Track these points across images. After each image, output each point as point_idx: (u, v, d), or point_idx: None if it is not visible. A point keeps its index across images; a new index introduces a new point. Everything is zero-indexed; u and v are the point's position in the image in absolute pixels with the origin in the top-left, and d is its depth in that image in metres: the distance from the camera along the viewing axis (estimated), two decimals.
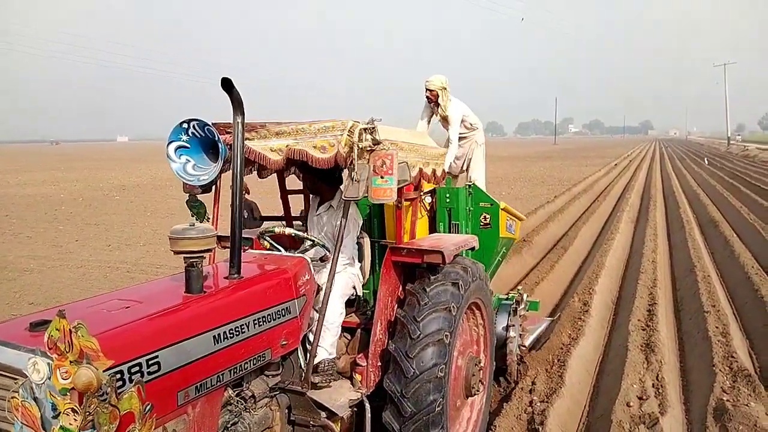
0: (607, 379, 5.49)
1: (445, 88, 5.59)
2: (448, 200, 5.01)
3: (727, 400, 4.63)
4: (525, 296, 5.87)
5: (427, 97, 5.67)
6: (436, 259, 3.65)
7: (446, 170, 4.98)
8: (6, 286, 9.31)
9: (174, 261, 10.39)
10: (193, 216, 3.44)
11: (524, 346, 5.66)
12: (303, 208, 4.58)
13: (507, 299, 5.65)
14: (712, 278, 8.59)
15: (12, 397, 1.84)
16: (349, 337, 3.87)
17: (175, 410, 2.46)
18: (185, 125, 3.23)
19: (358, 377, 3.58)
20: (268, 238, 3.80)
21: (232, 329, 2.74)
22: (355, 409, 3.48)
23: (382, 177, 3.08)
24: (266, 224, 4.18)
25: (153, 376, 2.28)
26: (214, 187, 3.43)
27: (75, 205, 19.66)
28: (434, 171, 4.01)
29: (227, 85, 2.97)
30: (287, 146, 3.29)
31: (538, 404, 4.73)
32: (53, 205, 19.85)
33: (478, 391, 4.14)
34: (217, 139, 3.18)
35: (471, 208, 5.26)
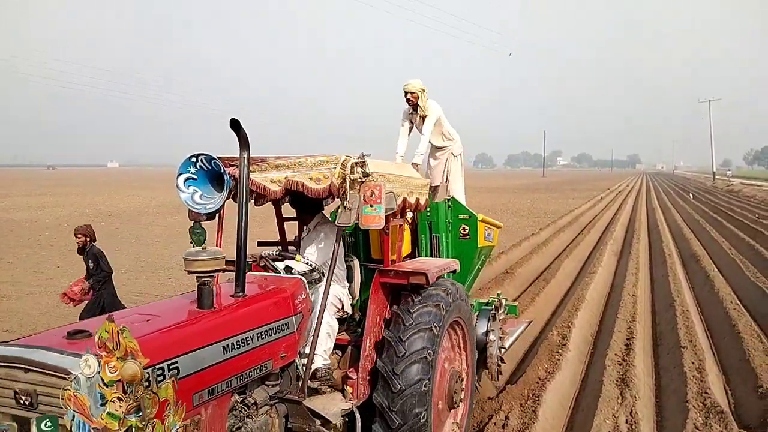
0: (581, 414, 5.48)
1: (424, 90, 5.84)
2: (428, 214, 5.37)
3: None
4: (504, 301, 6.15)
5: (408, 100, 5.88)
6: (421, 280, 4.00)
7: (418, 163, 5.73)
8: None
9: (154, 290, 10.32)
10: (192, 242, 3.57)
11: (504, 348, 5.87)
12: (297, 233, 4.86)
13: (487, 304, 5.88)
14: (691, 313, 8.63)
15: (65, 389, 2.13)
16: (340, 353, 4.15)
17: (191, 410, 2.70)
18: (193, 159, 3.52)
19: (349, 389, 3.83)
20: (267, 262, 4.11)
21: (239, 341, 3.05)
22: (347, 419, 3.73)
23: (371, 206, 3.48)
24: (262, 249, 4.44)
25: (174, 379, 2.54)
26: (218, 215, 3.74)
27: (59, 231, 19.51)
28: (417, 200, 4.43)
29: (235, 125, 3.28)
30: (286, 178, 3.65)
31: None
32: (38, 230, 19.72)
33: (459, 403, 4.45)
34: (223, 171, 3.48)
35: (450, 221, 5.61)
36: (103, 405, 2.10)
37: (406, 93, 5.84)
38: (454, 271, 4.73)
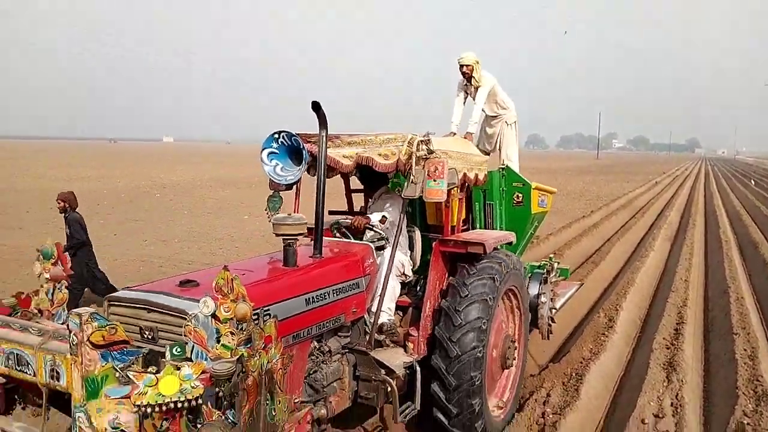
0: (625, 395, 5.39)
1: (478, 62, 5.92)
2: None
3: (748, 424, 4.51)
4: (555, 265, 6.41)
5: (463, 73, 5.97)
6: (478, 250, 4.32)
7: (472, 132, 5.90)
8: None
9: (204, 258, 10.63)
10: (266, 210, 4.27)
11: (555, 309, 6.16)
12: (363, 204, 5.19)
13: (539, 268, 6.12)
14: (746, 300, 8.33)
15: (186, 326, 2.52)
16: (401, 314, 4.51)
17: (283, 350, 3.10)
18: (276, 135, 3.99)
19: (410, 345, 4.21)
20: (338, 228, 4.56)
21: (318, 295, 3.47)
22: (408, 371, 4.03)
23: (435, 180, 3.80)
24: (333, 217, 4.79)
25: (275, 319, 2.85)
26: (295, 186, 4.24)
27: (117, 201, 20.29)
28: (476, 175, 4.75)
29: (316, 106, 3.69)
30: (357, 154, 4.06)
31: (551, 416, 4.69)
32: (96, 200, 20.51)
33: (511, 364, 4.79)
34: (301, 147, 3.93)
35: (504, 189, 5.82)
36: (217, 339, 2.48)
37: (461, 66, 5.93)
38: (510, 243, 5.08)
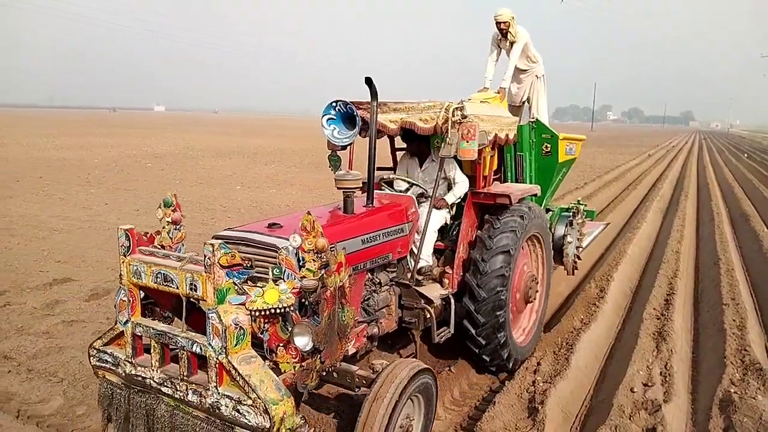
0: (615, 365, 5.44)
1: (513, 18, 6.31)
2: None
3: (735, 392, 4.56)
4: (582, 207, 7.06)
5: (500, 29, 6.40)
6: (505, 201, 5.00)
7: (505, 87, 6.46)
8: (36, 244, 9.63)
9: (196, 229, 10.57)
10: (330, 167, 5.08)
11: (581, 247, 6.86)
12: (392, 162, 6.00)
13: (567, 211, 6.79)
14: (737, 272, 8.39)
15: (279, 255, 3.22)
16: (438, 256, 5.16)
17: None
18: (333, 103, 4.62)
19: (446, 281, 4.89)
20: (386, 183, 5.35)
21: (371, 237, 4.16)
22: (443, 302, 4.70)
23: (467, 141, 4.33)
24: (380, 173, 5.48)
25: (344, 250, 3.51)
26: (349, 147, 4.95)
27: (108, 170, 20.10)
28: (507, 135, 5.31)
29: (369, 81, 4.36)
30: (401, 119, 4.70)
31: (541, 384, 4.73)
32: (87, 169, 20.33)
33: (534, 299, 5.57)
34: (355, 114, 4.55)
35: (534, 140, 6.34)
36: (300, 266, 3.20)
37: (498, 22, 6.31)
38: (535, 195, 5.80)
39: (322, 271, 3.17)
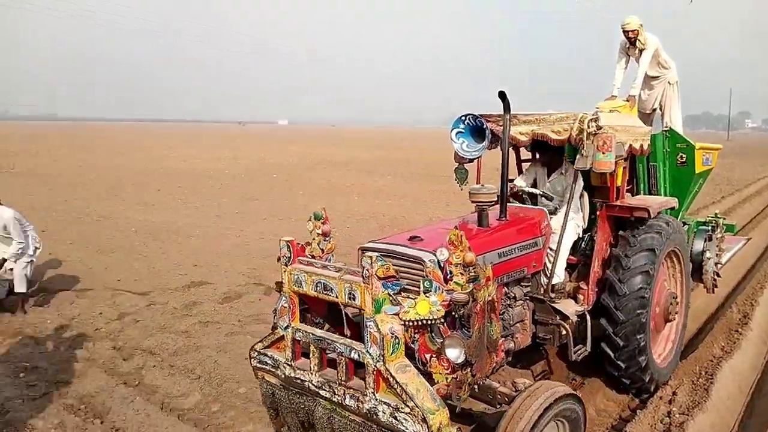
0: (764, 399, 4.96)
1: (641, 25, 6.21)
2: None
3: None
4: (721, 221, 6.74)
5: (628, 38, 6.31)
6: (643, 214, 4.81)
7: (635, 95, 6.28)
8: (175, 248, 10.45)
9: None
10: (456, 180, 5.06)
11: (720, 263, 6.52)
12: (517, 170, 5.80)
13: (704, 224, 6.49)
14: None
15: (427, 268, 3.31)
16: (570, 271, 4.98)
17: None
18: (462, 117, 4.65)
19: (581, 297, 4.74)
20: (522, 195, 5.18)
21: (507, 250, 4.15)
22: (579, 319, 4.59)
23: (603, 153, 4.24)
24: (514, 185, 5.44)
25: (492, 264, 3.62)
26: (477, 160, 4.95)
27: (238, 181, 21.44)
28: (641, 146, 5.05)
29: (502, 95, 4.31)
30: (532, 130, 4.65)
31: (677, 416, 4.41)
32: (220, 179, 21.79)
33: (674, 318, 5.27)
34: (485, 127, 4.55)
35: (668, 150, 6.06)
36: (450, 278, 3.27)
37: (626, 31, 6.22)
38: (672, 208, 5.52)
39: (471, 285, 3.24)
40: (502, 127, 4.52)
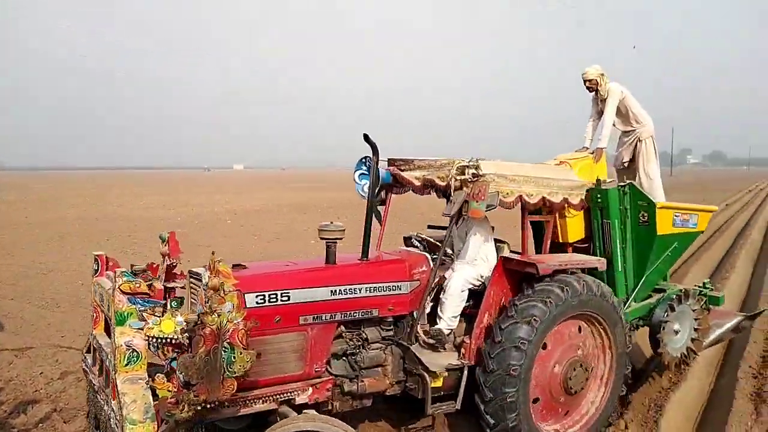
0: (709, 429, 5.08)
1: (602, 75, 6.07)
2: (599, 200, 5.36)
3: None
4: (700, 291, 5.98)
5: (588, 87, 6.15)
6: (532, 270, 4.42)
7: (602, 147, 5.97)
8: None
9: None
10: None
11: (701, 341, 5.80)
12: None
13: (677, 293, 5.73)
14: None
15: (199, 289, 3.61)
16: (465, 323, 4.74)
17: (296, 326, 4.00)
18: (364, 159, 4.88)
19: (463, 351, 4.49)
20: (414, 241, 5.23)
21: (346, 289, 4.16)
22: (459, 374, 4.40)
23: (477, 201, 4.15)
24: (434, 231, 5.57)
25: (284, 302, 3.91)
26: (387, 202, 5.16)
27: (189, 227, 21.05)
28: (566, 199, 4.89)
29: (366, 138, 4.40)
30: (423, 176, 4.73)
31: None
32: (170, 226, 21.34)
33: (579, 390, 4.68)
34: (368, 167, 4.72)
35: (627, 207, 5.44)
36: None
37: (584, 81, 6.09)
38: (595, 268, 4.91)
39: (203, 308, 3.30)
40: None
